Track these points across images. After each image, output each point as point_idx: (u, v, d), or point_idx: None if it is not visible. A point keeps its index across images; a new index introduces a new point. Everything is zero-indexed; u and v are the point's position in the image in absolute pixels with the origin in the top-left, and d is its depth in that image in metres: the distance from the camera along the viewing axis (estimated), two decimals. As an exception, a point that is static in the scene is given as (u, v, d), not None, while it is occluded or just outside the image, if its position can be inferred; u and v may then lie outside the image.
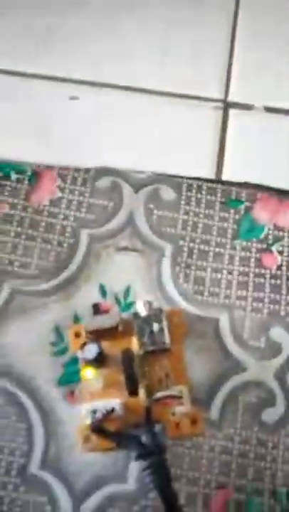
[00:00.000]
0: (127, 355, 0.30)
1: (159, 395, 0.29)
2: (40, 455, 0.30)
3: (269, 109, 0.39)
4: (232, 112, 0.39)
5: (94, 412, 0.29)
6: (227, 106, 0.39)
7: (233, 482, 0.29)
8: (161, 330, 0.31)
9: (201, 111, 0.39)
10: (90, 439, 0.29)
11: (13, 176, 0.36)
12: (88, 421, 0.28)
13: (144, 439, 0.29)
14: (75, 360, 0.31)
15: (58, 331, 0.32)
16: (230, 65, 0.41)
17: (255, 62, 0.41)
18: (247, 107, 0.39)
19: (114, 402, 0.29)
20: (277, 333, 0.32)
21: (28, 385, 0.31)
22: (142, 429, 0.29)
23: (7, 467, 0.29)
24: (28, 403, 0.31)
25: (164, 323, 0.31)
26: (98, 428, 0.28)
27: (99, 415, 0.28)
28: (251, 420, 0.30)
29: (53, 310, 0.33)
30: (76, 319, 0.33)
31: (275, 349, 0.32)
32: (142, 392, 0.29)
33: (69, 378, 0.31)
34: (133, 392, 0.29)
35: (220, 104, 0.39)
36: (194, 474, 0.29)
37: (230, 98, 0.40)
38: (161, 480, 0.28)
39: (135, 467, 0.29)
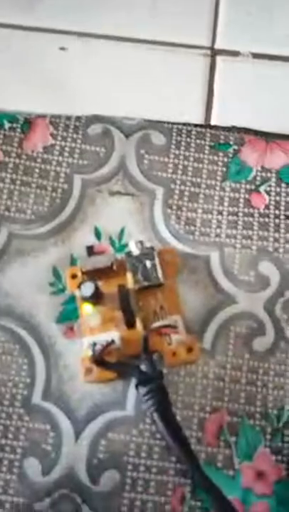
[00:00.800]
0: (123, 290, 0.31)
1: (155, 325, 0.30)
2: (42, 387, 0.31)
3: (256, 55, 0.40)
4: (219, 58, 0.40)
5: (94, 344, 0.30)
6: (214, 53, 0.40)
7: (226, 406, 0.31)
8: (154, 266, 0.32)
9: (190, 58, 0.40)
10: (91, 371, 0.31)
11: (6, 125, 0.36)
12: (89, 353, 0.30)
13: (143, 367, 0.30)
14: (72, 299, 0.33)
15: (56, 272, 0.33)
16: (216, 12, 0.41)
17: (242, 9, 0.41)
18: (234, 54, 0.40)
19: (113, 334, 0.31)
20: (265, 267, 0.34)
21: (28, 323, 0.32)
22: (141, 358, 0.30)
23: (11, 399, 0.31)
24: (30, 340, 0.32)
25: (156, 261, 0.32)
26: (99, 359, 0.30)
27: (99, 347, 0.30)
28: (242, 349, 0.32)
29: (50, 252, 0.34)
30: (73, 260, 0.34)
31: (263, 282, 0.33)
32: (138, 324, 0.31)
33: (68, 315, 0.32)
34: (130, 324, 0.31)
35: (207, 52, 0.40)
36: (189, 400, 0.31)
37: (218, 45, 0.40)
38: (161, 403, 0.29)
39: (133, 394, 0.31)
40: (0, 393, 0.31)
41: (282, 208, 0.35)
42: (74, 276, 0.33)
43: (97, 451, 0.30)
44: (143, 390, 0.29)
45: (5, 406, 0.31)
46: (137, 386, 0.30)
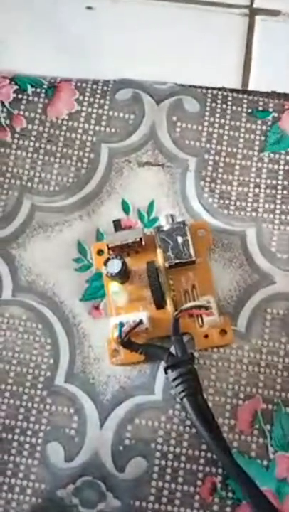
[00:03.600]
0: (152, 267, 0.29)
1: (186, 305, 0.28)
2: (66, 368, 0.29)
3: (298, 15, 0.37)
4: (258, 18, 0.37)
5: (121, 325, 0.28)
6: (253, 12, 0.37)
7: (261, 393, 0.29)
8: (186, 242, 0.30)
9: (226, 18, 0.37)
10: (118, 353, 0.29)
11: (30, 90, 0.34)
12: (116, 334, 0.28)
13: (172, 350, 0.28)
14: (98, 276, 0.31)
15: (81, 248, 0.32)
16: None
17: None
18: (274, 13, 0.37)
19: (142, 314, 0.29)
20: (306, 244, 0.31)
21: (52, 300, 0.31)
22: (171, 340, 0.28)
23: (33, 380, 0.29)
24: (53, 318, 0.30)
25: (188, 236, 0.30)
26: (126, 341, 0.28)
27: (126, 328, 0.28)
28: (279, 332, 0.30)
29: (75, 227, 0.32)
30: (99, 235, 0.32)
31: (304, 261, 0.31)
32: (168, 305, 0.29)
33: (93, 293, 0.31)
34: (160, 304, 0.29)
35: (245, 11, 0.37)
36: (222, 385, 0.29)
37: (257, 4, 0.37)
38: (191, 388, 0.27)
39: (162, 378, 0.29)
40: (22, 374, 0.29)
41: None
42: (100, 252, 0.31)
43: (123, 437, 0.28)
44: (172, 374, 0.28)
45: (27, 387, 0.29)
46: (166, 370, 0.28)
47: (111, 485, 0.28)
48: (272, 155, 0.33)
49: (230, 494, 0.28)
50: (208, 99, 0.34)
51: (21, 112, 0.34)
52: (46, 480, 0.28)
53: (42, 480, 0.28)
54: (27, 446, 0.28)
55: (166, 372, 0.28)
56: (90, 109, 0.34)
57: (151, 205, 0.32)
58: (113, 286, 0.30)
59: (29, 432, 0.28)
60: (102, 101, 0.34)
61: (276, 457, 0.28)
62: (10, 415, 0.29)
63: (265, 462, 0.28)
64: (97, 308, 0.30)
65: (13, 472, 0.28)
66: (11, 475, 0.28)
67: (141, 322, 0.28)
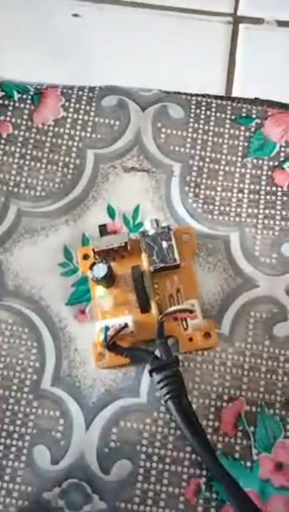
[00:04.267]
0: (137, 272, 0.30)
1: (171, 309, 0.29)
2: (52, 371, 0.30)
3: (281, 23, 0.38)
4: (242, 26, 0.38)
5: (106, 328, 0.29)
6: (237, 20, 0.38)
7: (244, 395, 0.29)
8: (170, 247, 0.30)
9: (210, 26, 0.38)
10: (103, 356, 0.29)
11: (16, 96, 0.34)
12: (101, 338, 0.29)
13: (157, 353, 0.29)
14: (84, 280, 0.31)
15: (67, 252, 0.32)
16: (239, -24, 0.39)
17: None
18: (258, 21, 0.38)
19: (127, 318, 0.29)
20: (288, 249, 0.32)
21: (38, 304, 0.31)
22: (156, 343, 0.29)
23: (19, 384, 0.29)
24: (39, 322, 0.31)
25: (173, 241, 0.30)
26: (112, 344, 0.29)
27: (111, 331, 0.28)
28: (262, 335, 0.30)
29: (60, 231, 0.32)
30: (85, 240, 0.32)
31: (286, 265, 0.31)
32: (153, 308, 0.29)
33: (79, 297, 0.31)
34: (145, 308, 0.29)
35: (229, 19, 0.38)
36: (206, 388, 0.29)
37: (241, 12, 0.38)
38: (176, 391, 0.28)
39: (147, 381, 0.29)
40: (8, 378, 0.30)
41: (307, 186, 0.33)
42: (86, 257, 0.31)
43: (108, 439, 0.29)
44: (157, 377, 0.28)
45: (13, 391, 0.29)
46: (150, 373, 0.28)
47: (97, 487, 0.28)
48: (255, 161, 0.34)
49: (214, 495, 0.28)
50: (193, 106, 0.35)
51: (7, 118, 0.34)
52: (32, 483, 0.28)
53: (28, 483, 0.28)
54: (13, 449, 0.28)
55: (151, 375, 0.29)
56: (75, 116, 0.34)
57: (136, 210, 0.33)
58: (99, 291, 0.30)
59: (15, 435, 0.29)
60: (87, 107, 0.34)
61: (259, 458, 0.28)
62: (-4, 419, 0.29)
63: (248, 463, 0.28)
64: (83, 312, 0.31)
65: (-1, 475, 0.28)
66: (-2, 478, 0.28)
67: (126, 326, 0.29)
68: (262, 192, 0.33)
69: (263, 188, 0.33)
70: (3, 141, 0.34)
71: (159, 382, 0.28)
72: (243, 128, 0.34)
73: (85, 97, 0.35)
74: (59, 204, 0.33)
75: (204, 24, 0.38)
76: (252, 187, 0.33)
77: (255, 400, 0.29)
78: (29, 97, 0.34)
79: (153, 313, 0.29)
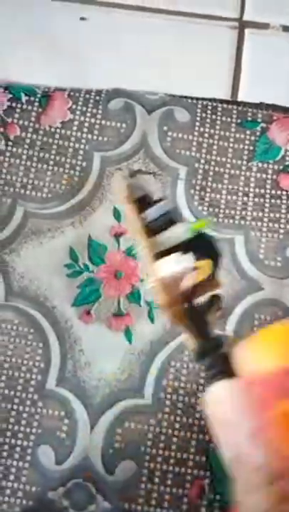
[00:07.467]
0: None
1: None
2: (57, 372, 0.30)
3: (286, 28, 0.38)
4: (248, 31, 0.38)
5: None
6: (243, 25, 0.38)
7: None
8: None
9: (216, 31, 0.38)
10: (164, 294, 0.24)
11: (23, 98, 0.35)
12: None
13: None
14: (90, 281, 0.31)
15: (73, 254, 0.32)
16: (246, -19, 0.39)
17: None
18: (263, 26, 0.38)
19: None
20: (293, 252, 0.32)
21: (43, 305, 0.31)
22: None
23: (25, 384, 0.30)
24: (44, 323, 0.31)
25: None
26: (194, 310, 0.24)
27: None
28: (267, 337, 0.30)
29: (67, 233, 0.32)
30: (91, 242, 0.32)
31: (291, 268, 0.32)
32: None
33: (84, 299, 0.31)
34: None
35: (235, 24, 0.38)
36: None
37: (246, 17, 0.38)
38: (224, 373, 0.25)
39: (152, 382, 0.29)
40: (13, 378, 0.30)
41: (311, 190, 0.33)
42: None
43: (113, 440, 0.29)
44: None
45: (18, 391, 0.30)
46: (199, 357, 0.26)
47: (101, 487, 0.28)
48: (260, 164, 0.34)
49: (218, 497, 0.28)
50: (199, 110, 0.35)
51: (15, 121, 0.34)
52: (37, 482, 0.28)
53: (33, 482, 0.28)
54: (18, 449, 0.29)
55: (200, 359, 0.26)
56: (82, 118, 0.35)
57: (142, 213, 0.33)
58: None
59: (20, 435, 0.29)
60: (94, 110, 0.35)
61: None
62: (1, 418, 0.29)
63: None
64: (88, 313, 0.31)
65: (4, 475, 0.28)
66: (2, 477, 0.28)
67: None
68: (267, 195, 0.33)
69: (268, 191, 0.33)
70: (10, 143, 0.34)
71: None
72: (248, 132, 0.34)
73: (92, 100, 0.35)
74: (65, 206, 0.33)
75: (210, 29, 0.38)
76: (257, 190, 0.33)
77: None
78: (37, 99, 0.35)
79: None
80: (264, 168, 0.34)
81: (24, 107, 0.35)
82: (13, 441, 0.29)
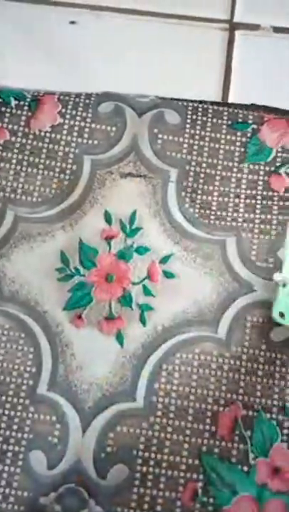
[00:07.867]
0: None
1: None
2: (49, 376, 0.30)
3: (277, 29, 0.38)
4: (238, 32, 0.38)
5: None
6: (233, 26, 0.38)
7: (241, 399, 0.29)
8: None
9: (207, 32, 0.38)
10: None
11: (13, 102, 0.35)
12: None
13: None
14: (81, 285, 0.31)
15: (64, 257, 0.32)
16: (235, -17, 0.39)
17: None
18: (254, 28, 0.38)
19: None
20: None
21: (34, 310, 0.31)
22: None
23: (16, 389, 0.30)
24: (35, 327, 0.31)
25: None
26: None
27: None
28: (259, 339, 0.30)
29: (57, 237, 0.32)
30: (82, 246, 0.32)
31: (283, 269, 0.31)
32: None
33: (76, 303, 0.31)
34: None
35: (226, 25, 0.38)
36: (203, 392, 0.29)
37: (237, 18, 0.38)
38: None
39: (144, 385, 0.29)
40: (4, 383, 0.30)
41: (303, 190, 0.33)
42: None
43: (105, 444, 0.29)
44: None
45: (9, 396, 0.29)
46: None
47: (93, 492, 0.28)
48: (251, 166, 0.34)
49: (211, 500, 0.28)
50: (189, 112, 0.35)
51: (4, 125, 0.34)
52: (29, 488, 0.28)
53: (25, 488, 0.28)
54: (9, 454, 0.28)
55: None
56: (72, 122, 0.35)
57: (133, 216, 0.33)
58: None
59: (12, 440, 0.29)
60: (84, 114, 0.35)
61: (256, 463, 0.28)
62: (-7, 424, 0.29)
63: (245, 468, 0.28)
64: (79, 317, 0.31)
65: (-5, 480, 0.28)
66: (-6, 483, 0.28)
67: None
68: (258, 197, 0.33)
69: (259, 193, 0.33)
70: (0, 148, 0.34)
71: None
72: (239, 133, 0.34)
73: (81, 104, 0.35)
74: (56, 210, 0.33)
75: (201, 30, 0.38)
76: (248, 192, 0.33)
77: (251, 404, 0.29)
78: (26, 103, 0.35)
79: None
80: (255, 170, 0.34)
81: (14, 111, 0.34)
82: (4, 446, 0.29)
